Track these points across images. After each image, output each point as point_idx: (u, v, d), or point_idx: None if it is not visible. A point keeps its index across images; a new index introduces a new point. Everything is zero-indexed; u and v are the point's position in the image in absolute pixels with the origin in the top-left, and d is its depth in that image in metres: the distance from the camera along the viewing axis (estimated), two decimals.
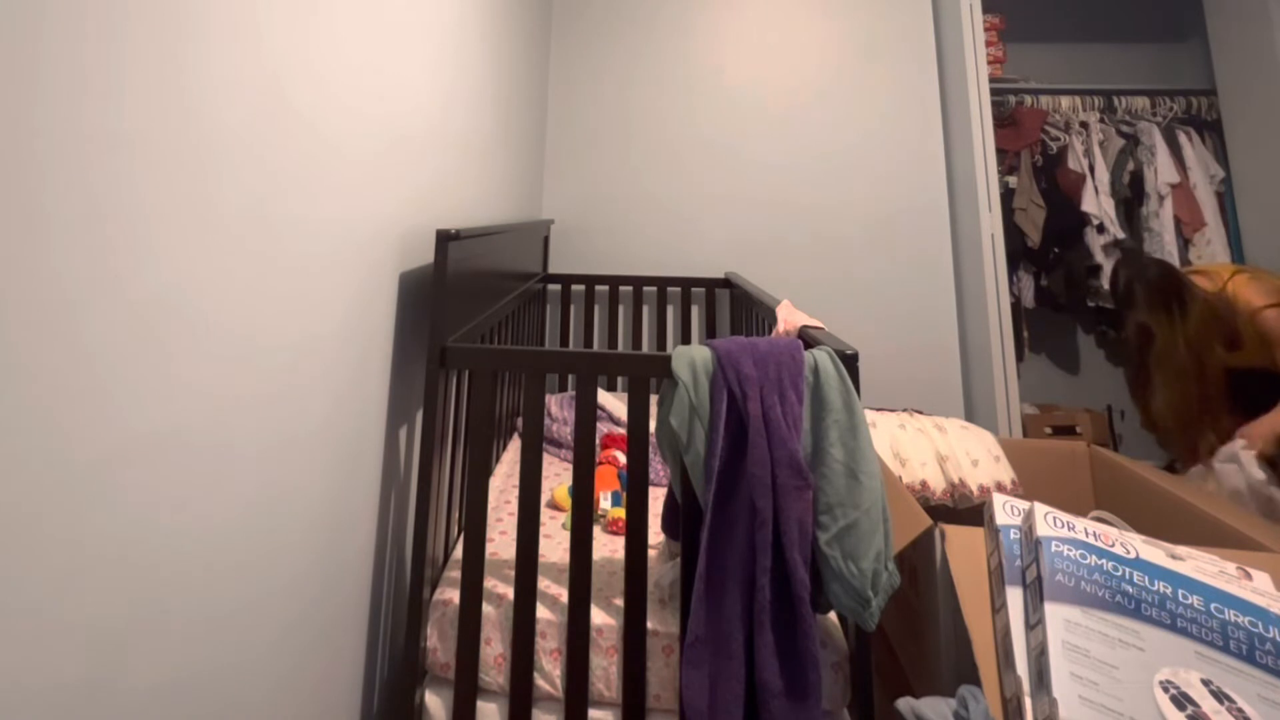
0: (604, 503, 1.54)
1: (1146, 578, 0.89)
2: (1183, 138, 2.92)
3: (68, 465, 0.56)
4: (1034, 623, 0.88)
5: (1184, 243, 2.83)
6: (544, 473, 1.58)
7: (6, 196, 0.51)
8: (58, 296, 0.55)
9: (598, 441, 1.90)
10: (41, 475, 0.54)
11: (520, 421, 1.79)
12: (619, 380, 2.52)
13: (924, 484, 1.57)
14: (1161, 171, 2.85)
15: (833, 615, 1.21)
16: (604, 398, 2.12)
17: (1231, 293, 1.76)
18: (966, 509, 1.53)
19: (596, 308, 2.72)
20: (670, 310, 2.68)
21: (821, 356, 1.10)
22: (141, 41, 0.63)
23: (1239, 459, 1.53)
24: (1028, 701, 0.82)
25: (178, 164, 0.68)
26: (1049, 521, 0.98)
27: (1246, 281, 1.78)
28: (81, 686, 0.58)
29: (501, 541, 1.40)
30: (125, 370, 0.62)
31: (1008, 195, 2.93)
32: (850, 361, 1.11)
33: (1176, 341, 1.79)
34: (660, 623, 1.16)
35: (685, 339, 2.64)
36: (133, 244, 0.62)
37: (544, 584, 1.24)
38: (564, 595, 1.19)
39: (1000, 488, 1.56)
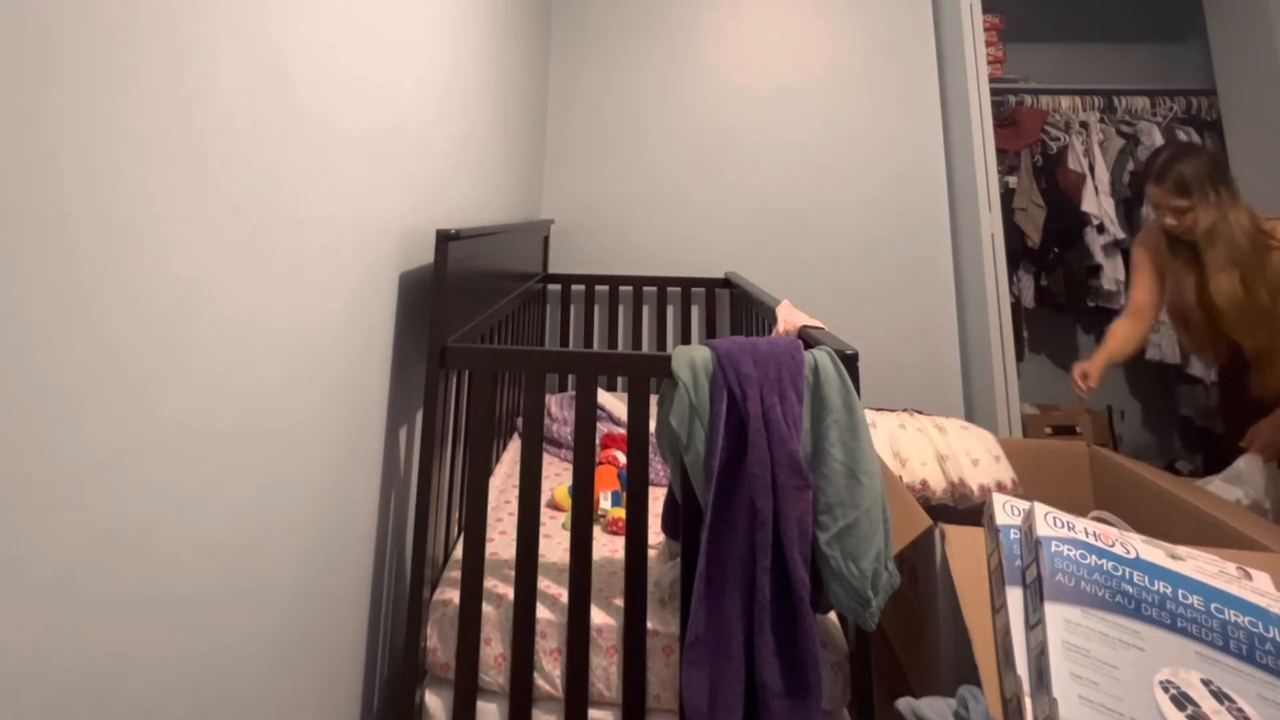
0: (604, 503, 1.54)
1: (1146, 578, 0.89)
2: (1183, 138, 2.92)
3: (77, 458, 0.56)
4: (1034, 623, 0.88)
5: None
6: (544, 473, 1.58)
7: (26, 194, 0.51)
8: (78, 290, 0.56)
9: (598, 441, 1.90)
10: (63, 463, 0.55)
11: (520, 421, 1.79)
12: (619, 380, 2.52)
13: (924, 484, 1.57)
14: None
15: (833, 615, 1.21)
16: (604, 398, 2.12)
17: None
18: (966, 509, 1.53)
19: (596, 308, 2.72)
20: (670, 310, 2.68)
21: (821, 356, 1.10)
22: (149, 40, 0.63)
23: (1241, 474, 1.47)
24: (1028, 701, 0.82)
25: (187, 162, 0.68)
26: (1049, 521, 0.98)
27: None
28: (92, 672, 0.58)
29: (501, 541, 1.40)
30: (125, 372, 0.62)
31: (1008, 195, 2.93)
32: (850, 361, 1.11)
33: (1228, 222, 1.61)
34: (660, 623, 1.16)
35: (685, 339, 2.64)
36: (141, 242, 0.62)
37: (544, 584, 1.24)
38: (564, 595, 1.19)
39: (1000, 488, 1.56)
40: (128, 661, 0.63)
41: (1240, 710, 0.76)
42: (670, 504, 1.23)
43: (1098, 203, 2.87)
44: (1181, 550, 0.96)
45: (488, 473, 1.23)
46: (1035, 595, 0.90)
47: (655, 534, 1.31)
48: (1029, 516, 1.01)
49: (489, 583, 1.23)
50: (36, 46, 0.52)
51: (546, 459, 1.89)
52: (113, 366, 0.61)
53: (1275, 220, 1.63)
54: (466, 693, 1.14)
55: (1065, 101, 3.05)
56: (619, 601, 1.19)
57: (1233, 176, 1.70)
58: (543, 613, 1.18)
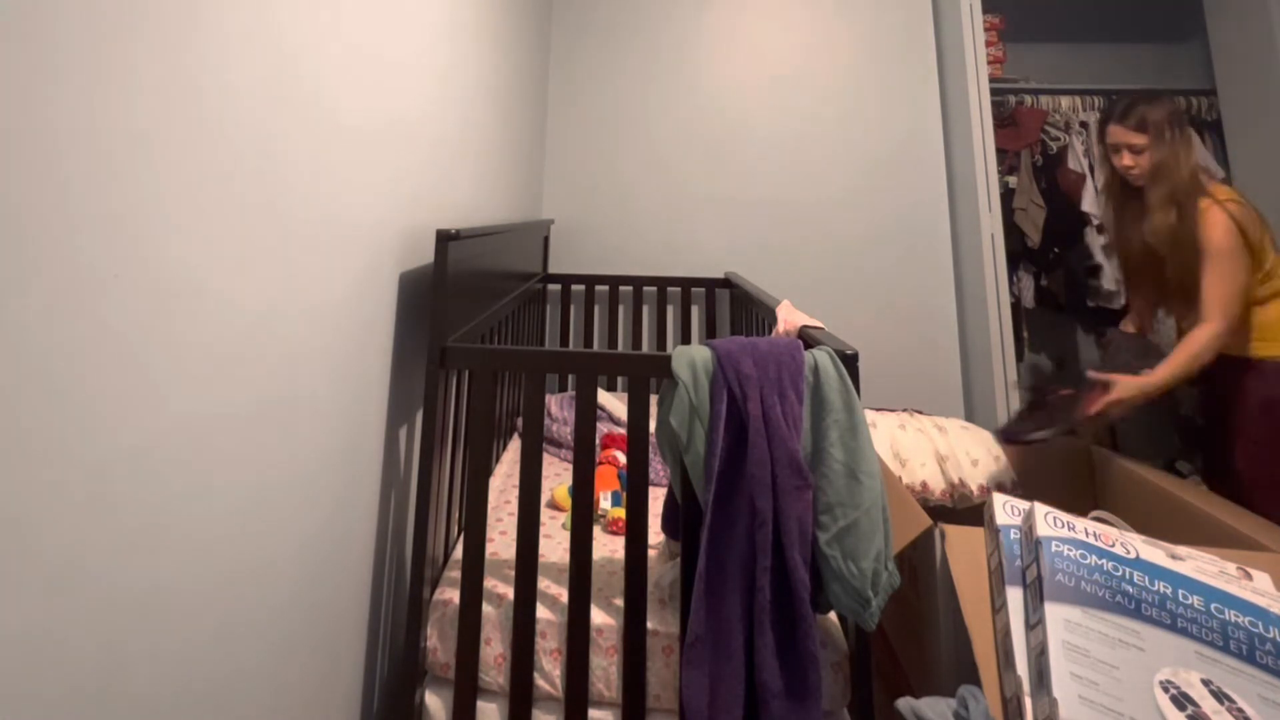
0: (604, 503, 1.54)
1: (1146, 578, 0.89)
2: None
3: (86, 454, 0.56)
4: (1034, 623, 0.88)
5: None
6: (544, 473, 1.58)
7: (32, 190, 0.51)
8: (90, 285, 0.56)
9: (598, 441, 1.90)
10: (67, 461, 0.54)
11: (520, 421, 1.79)
12: (619, 380, 2.52)
13: (924, 484, 1.57)
14: None
15: (833, 615, 1.21)
16: (604, 398, 2.12)
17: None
18: (966, 509, 1.53)
19: (596, 308, 2.71)
20: (670, 310, 2.68)
21: (821, 356, 1.10)
22: (153, 38, 0.63)
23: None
24: (1028, 701, 0.82)
25: (196, 162, 0.68)
26: (1049, 521, 0.98)
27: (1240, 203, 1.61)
28: (89, 677, 0.58)
29: (501, 541, 1.40)
30: (123, 372, 0.62)
31: (1008, 195, 2.92)
32: (850, 361, 1.11)
33: (1177, 161, 1.61)
34: (660, 623, 1.16)
35: (685, 339, 2.64)
36: (143, 240, 0.62)
37: (544, 584, 1.24)
38: (564, 595, 1.19)
39: (1000, 488, 1.56)
40: (129, 660, 0.63)
41: (1240, 710, 0.76)
42: (670, 504, 1.23)
43: (1098, 203, 2.87)
44: (1181, 550, 0.96)
45: (488, 473, 1.22)
46: (1035, 595, 0.90)
47: (655, 534, 1.31)
48: (1029, 516, 1.01)
49: (489, 583, 1.23)
50: (40, 42, 0.52)
51: (546, 459, 1.89)
52: (121, 363, 0.61)
53: (1221, 187, 1.66)
54: (466, 693, 1.14)
55: (1065, 101, 3.05)
56: (619, 601, 1.19)
57: (1189, 127, 1.72)
58: (543, 613, 1.18)
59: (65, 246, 0.55)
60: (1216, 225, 1.55)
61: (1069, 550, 0.92)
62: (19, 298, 0.51)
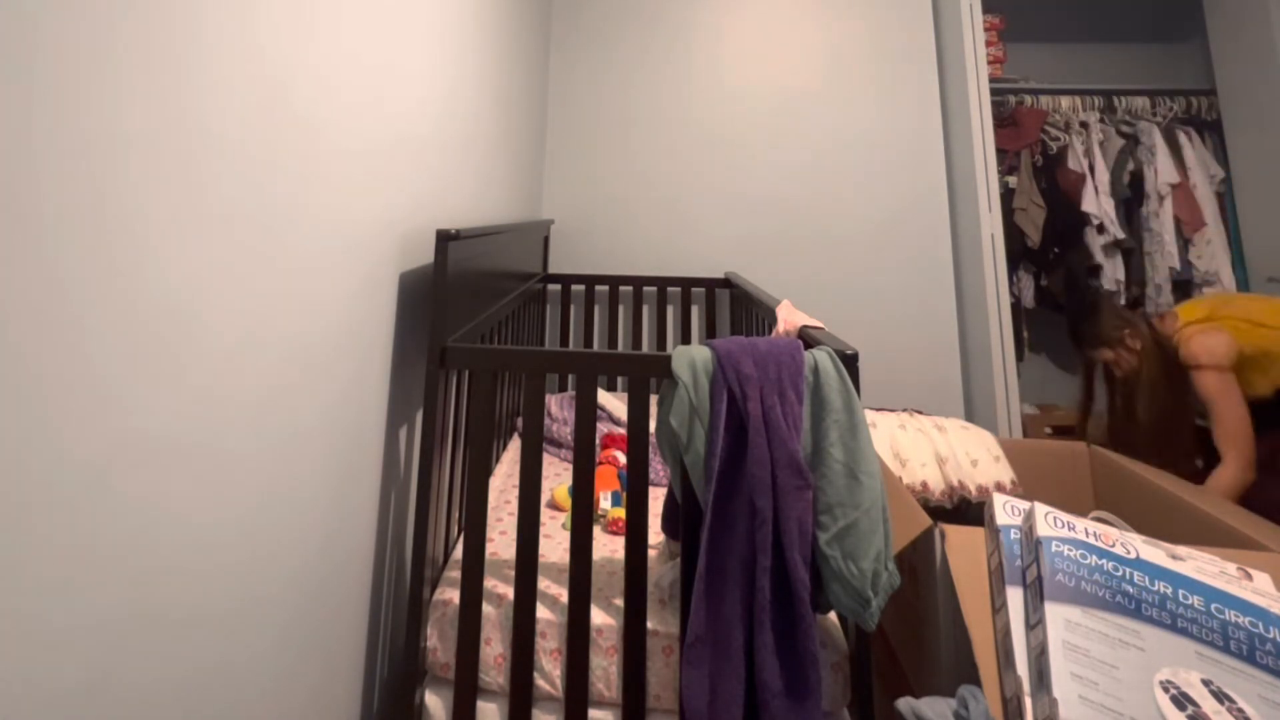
0: (604, 503, 1.54)
1: (1147, 578, 0.89)
2: (1183, 138, 2.91)
3: (69, 465, 0.56)
4: (1034, 623, 0.88)
5: (1184, 243, 2.83)
6: (544, 473, 1.58)
7: (7, 198, 0.51)
8: (59, 297, 0.55)
9: (598, 441, 1.90)
10: (43, 475, 0.54)
11: (520, 421, 1.79)
12: (619, 380, 2.52)
13: (924, 485, 1.57)
14: (1161, 172, 2.85)
15: (833, 615, 1.21)
16: (604, 398, 2.12)
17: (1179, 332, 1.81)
18: (967, 509, 1.53)
19: (596, 308, 2.72)
20: (670, 310, 2.68)
21: (821, 356, 1.10)
22: (142, 46, 0.63)
23: None
24: (1028, 701, 0.82)
25: (178, 164, 0.68)
26: (1049, 521, 0.98)
27: (1197, 331, 1.79)
28: (79, 687, 0.58)
29: (501, 541, 1.40)
30: (126, 371, 0.62)
31: (1008, 195, 2.93)
32: (850, 361, 1.11)
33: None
34: (660, 623, 1.16)
35: (685, 339, 2.64)
36: (132, 245, 0.62)
37: (544, 584, 1.24)
38: (564, 595, 1.19)
39: (1000, 488, 1.56)
40: (127, 664, 0.63)
41: (1240, 710, 0.76)
42: (670, 504, 1.23)
43: (1098, 203, 2.87)
44: (1182, 550, 0.96)
45: (488, 473, 1.22)
46: (1035, 595, 0.90)
47: (655, 534, 1.31)
48: (1029, 516, 1.01)
49: (489, 583, 1.23)
50: (25, 51, 0.52)
51: (546, 459, 1.89)
52: (99, 374, 0.60)
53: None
54: (466, 693, 1.14)
55: (1065, 101, 3.05)
56: (619, 601, 1.19)
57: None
58: (543, 613, 1.18)
59: (45, 254, 0.55)
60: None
61: (1069, 550, 0.92)
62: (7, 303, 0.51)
